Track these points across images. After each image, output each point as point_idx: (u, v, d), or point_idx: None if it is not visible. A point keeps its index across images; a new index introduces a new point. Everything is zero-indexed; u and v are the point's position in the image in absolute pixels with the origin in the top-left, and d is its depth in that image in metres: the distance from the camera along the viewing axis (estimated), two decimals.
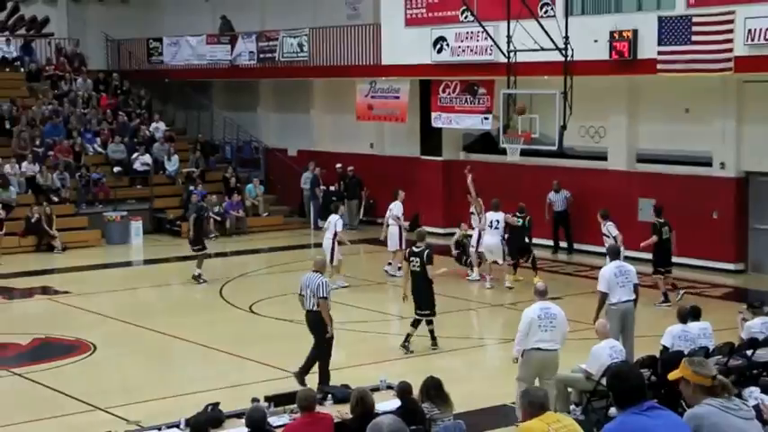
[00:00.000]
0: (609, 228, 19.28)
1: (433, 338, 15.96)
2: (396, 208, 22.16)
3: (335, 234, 20.77)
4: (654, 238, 19.30)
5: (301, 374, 13.67)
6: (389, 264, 22.13)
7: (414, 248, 16.00)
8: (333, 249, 20.65)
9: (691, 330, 12.86)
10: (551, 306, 12.42)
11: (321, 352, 13.67)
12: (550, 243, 24.81)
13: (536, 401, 6.86)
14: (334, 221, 20.90)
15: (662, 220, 19.58)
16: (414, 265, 15.74)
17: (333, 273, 20.61)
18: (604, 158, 24.64)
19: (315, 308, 13.56)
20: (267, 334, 17.74)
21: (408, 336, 15.91)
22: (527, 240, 21.52)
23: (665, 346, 12.63)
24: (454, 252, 22.58)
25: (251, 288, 21.64)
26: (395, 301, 16.73)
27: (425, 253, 15.70)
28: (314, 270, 13.85)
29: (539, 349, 12.03)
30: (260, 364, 15.40)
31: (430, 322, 15.89)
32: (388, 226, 22.30)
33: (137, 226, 27.66)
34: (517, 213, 21.48)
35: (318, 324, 13.63)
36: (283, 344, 17.08)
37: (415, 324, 15.90)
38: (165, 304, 20.77)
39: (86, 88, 33.14)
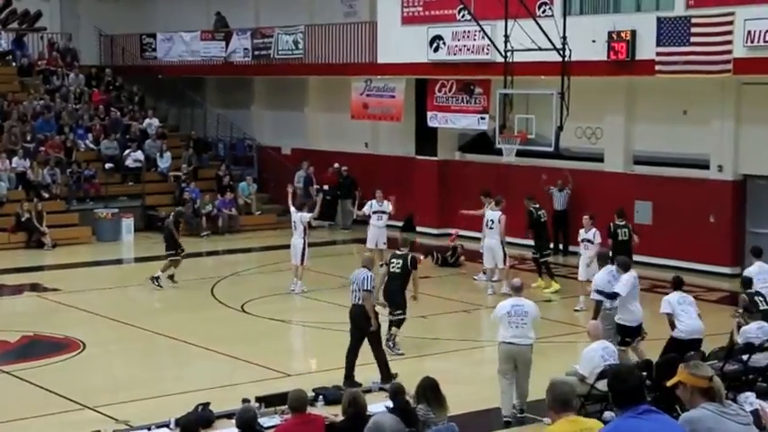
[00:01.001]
0: (596, 234, 19.00)
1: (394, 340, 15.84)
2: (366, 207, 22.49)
3: (305, 233, 20.45)
4: (609, 242, 19.08)
5: (387, 379, 13.44)
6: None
7: (397, 252, 16.08)
8: (304, 249, 20.36)
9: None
10: (524, 303, 12.77)
11: (373, 343, 13.97)
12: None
13: (560, 397, 6.65)
14: (299, 218, 20.49)
15: (621, 223, 19.43)
16: (394, 267, 15.73)
17: (302, 275, 20.48)
18: (601, 160, 24.61)
19: (360, 301, 13.91)
20: (259, 333, 17.69)
21: (392, 335, 15.75)
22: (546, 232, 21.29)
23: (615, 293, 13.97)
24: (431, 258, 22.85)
25: (243, 287, 21.59)
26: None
27: (410, 257, 15.81)
28: (362, 266, 14.35)
29: (510, 343, 12.53)
30: (251, 363, 15.33)
31: (400, 323, 15.81)
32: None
33: (128, 223, 27.58)
34: (527, 201, 20.97)
35: (361, 317, 13.93)
36: (275, 343, 17.08)
37: (398, 324, 15.79)
38: (155, 303, 20.71)
39: (78, 83, 33.06)
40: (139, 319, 18.35)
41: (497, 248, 20.27)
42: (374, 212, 22.32)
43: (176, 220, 21.92)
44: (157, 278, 21.03)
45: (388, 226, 22.57)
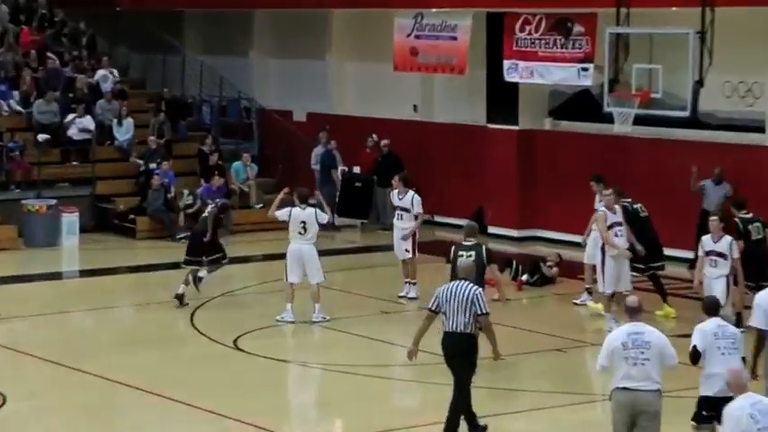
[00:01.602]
0: (733, 245, 18.74)
1: None
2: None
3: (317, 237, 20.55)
4: (740, 243, 18.89)
5: None
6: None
7: (463, 243, 17.08)
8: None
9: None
10: (645, 330, 12.46)
11: (464, 391, 13.97)
12: (689, 255, 24.08)
13: None
14: (311, 216, 20.34)
15: (747, 216, 19.31)
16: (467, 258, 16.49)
17: (319, 296, 20.46)
18: (761, 129, 24.45)
19: (464, 329, 13.85)
20: (258, 380, 17.66)
21: None
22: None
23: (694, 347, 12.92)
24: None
25: (236, 313, 21.59)
26: None
27: (483, 249, 17.13)
28: (461, 277, 14.38)
29: (626, 389, 12.25)
30: (246, 424, 15.27)
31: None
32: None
33: (71, 220, 27.67)
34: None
35: (468, 350, 13.98)
36: (281, 395, 17.13)
37: None
38: (110, 336, 20.71)
39: (0, 18, 33.25)
40: (87, 361, 18.35)
41: (595, 260, 20.41)
42: (394, 208, 22.45)
43: (220, 215, 22.29)
44: (201, 279, 21.58)
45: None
